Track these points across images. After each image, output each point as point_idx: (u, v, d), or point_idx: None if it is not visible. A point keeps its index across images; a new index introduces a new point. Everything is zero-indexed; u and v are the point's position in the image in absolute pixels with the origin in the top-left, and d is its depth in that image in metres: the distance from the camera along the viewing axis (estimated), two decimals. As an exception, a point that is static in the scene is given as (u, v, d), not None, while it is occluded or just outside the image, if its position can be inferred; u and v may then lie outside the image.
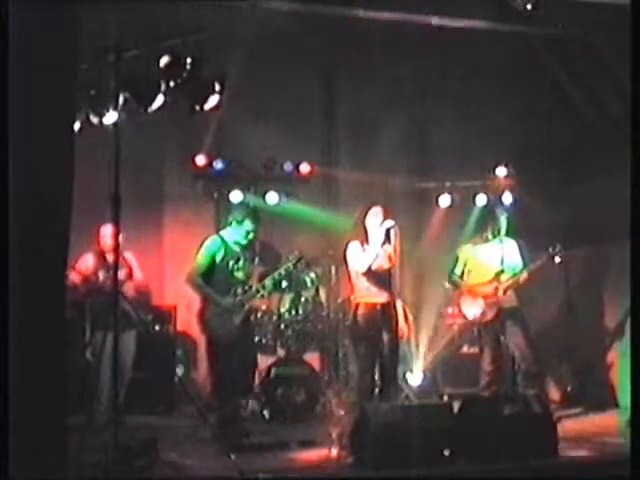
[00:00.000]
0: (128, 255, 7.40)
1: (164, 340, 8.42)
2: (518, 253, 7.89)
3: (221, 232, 7.18)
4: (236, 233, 7.06)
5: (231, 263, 6.99)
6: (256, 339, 7.87)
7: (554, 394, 8.33)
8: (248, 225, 7.03)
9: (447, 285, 8.15)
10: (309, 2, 7.44)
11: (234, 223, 7.08)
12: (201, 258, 6.99)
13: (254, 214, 7.19)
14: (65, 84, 4.74)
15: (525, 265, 7.81)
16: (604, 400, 8.23)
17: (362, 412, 6.16)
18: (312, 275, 8.38)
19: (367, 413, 6.05)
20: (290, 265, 7.21)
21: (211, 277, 6.98)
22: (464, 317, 8.04)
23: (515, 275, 7.75)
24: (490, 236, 7.86)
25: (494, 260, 7.83)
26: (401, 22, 7.67)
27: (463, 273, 7.95)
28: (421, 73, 9.33)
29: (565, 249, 7.68)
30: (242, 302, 6.98)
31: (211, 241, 7.09)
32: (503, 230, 7.84)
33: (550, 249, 7.66)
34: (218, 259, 6.97)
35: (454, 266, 7.98)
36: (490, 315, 7.75)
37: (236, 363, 6.97)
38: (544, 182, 8.90)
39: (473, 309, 7.82)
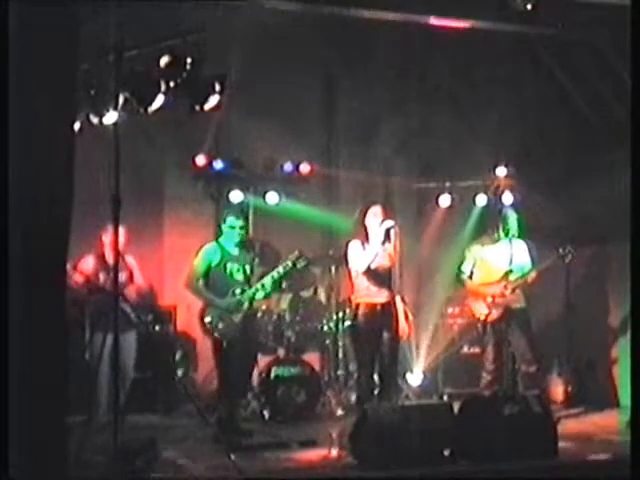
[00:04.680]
0: (129, 259, 7.41)
1: (164, 340, 8.41)
2: (527, 253, 7.90)
3: (219, 240, 7.20)
4: (227, 234, 7.09)
5: (229, 265, 7.03)
6: (255, 340, 7.87)
7: (554, 394, 8.32)
8: (232, 221, 7.06)
9: (455, 284, 8.15)
10: (309, 2, 7.43)
11: (222, 225, 7.12)
12: (198, 263, 7.03)
13: (239, 210, 7.24)
14: (65, 84, 4.73)
15: (534, 265, 7.82)
16: (605, 400, 8.23)
17: (362, 412, 6.16)
18: (311, 275, 8.39)
19: (367, 413, 6.05)
20: (289, 263, 7.21)
21: (209, 281, 7.01)
22: (472, 316, 8.05)
23: (524, 275, 7.76)
24: (499, 236, 7.86)
25: (503, 260, 7.84)
26: (402, 22, 7.67)
27: (472, 273, 7.96)
28: (421, 73, 9.33)
29: (566, 249, 7.70)
30: (242, 302, 7.00)
31: (207, 247, 7.13)
32: (513, 230, 7.85)
33: (560, 249, 7.68)
34: (214, 263, 7.00)
35: (461, 265, 7.98)
36: (497, 315, 7.77)
37: (239, 363, 7.00)
38: (544, 182, 8.90)
39: (481, 308, 7.84)
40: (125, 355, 7.13)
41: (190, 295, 7.30)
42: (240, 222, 7.11)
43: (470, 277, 7.99)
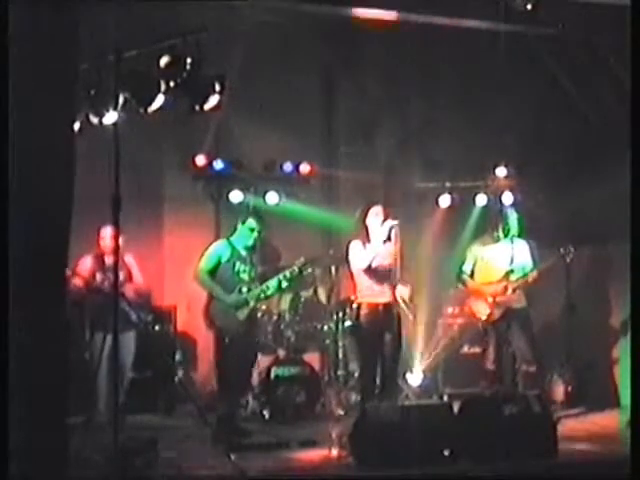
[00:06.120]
0: (127, 258, 7.41)
1: (164, 340, 8.41)
2: (529, 253, 7.90)
3: (230, 237, 7.22)
4: (242, 235, 7.11)
5: (237, 264, 7.05)
6: (256, 339, 7.87)
7: (555, 394, 8.32)
8: (252, 224, 7.08)
9: (458, 284, 8.16)
10: (309, 2, 7.44)
11: (239, 226, 7.13)
12: (207, 258, 7.07)
13: (257, 213, 7.26)
14: (65, 84, 4.73)
15: (535, 265, 7.83)
16: (605, 400, 8.23)
17: (362, 412, 6.17)
18: (311, 275, 8.39)
19: (367, 413, 6.05)
20: (296, 269, 7.24)
21: (217, 276, 7.02)
22: (472, 316, 8.06)
23: (525, 275, 7.77)
24: (499, 236, 7.87)
25: (503, 260, 7.85)
26: (401, 22, 7.67)
27: (473, 272, 7.97)
28: (421, 73, 9.33)
29: (566, 249, 7.72)
30: (248, 300, 7.03)
31: (218, 243, 7.19)
32: (514, 230, 7.86)
33: (561, 249, 7.69)
34: (224, 260, 7.02)
35: (462, 265, 8.00)
36: (498, 314, 7.78)
37: (240, 360, 7.02)
38: (544, 182, 8.89)
39: (482, 308, 7.84)
40: (123, 354, 7.13)
41: (190, 295, 7.31)
42: (259, 226, 7.13)
43: (471, 277, 8.00)
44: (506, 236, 7.87)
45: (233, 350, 6.95)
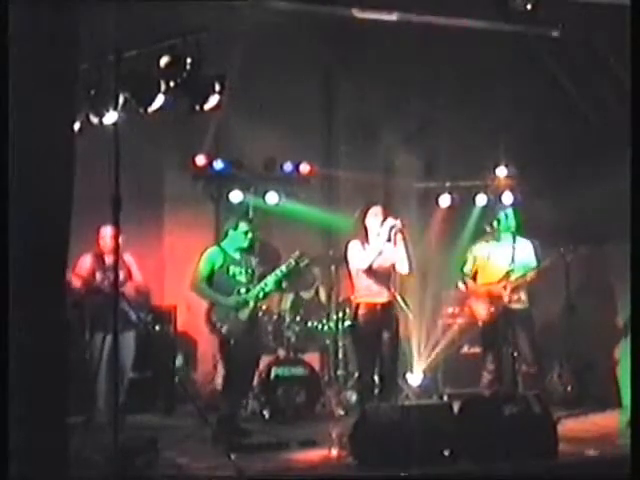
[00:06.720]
0: (127, 256, 7.40)
1: (164, 340, 8.41)
2: (532, 253, 7.90)
3: (221, 244, 7.19)
4: (234, 239, 7.09)
5: (232, 268, 7.03)
6: (260, 339, 7.86)
7: (555, 394, 8.32)
8: (243, 227, 7.07)
9: (458, 284, 8.16)
10: (309, 2, 7.44)
11: (230, 231, 7.11)
12: (201, 266, 7.02)
13: (246, 215, 7.24)
14: (65, 84, 4.73)
15: (539, 265, 7.83)
16: (605, 400, 8.23)
17: (362, 412, 6.17)
18: (312, 275, 8.39)
19: (367, 413, 6.05)
20: (292, 261, 7.22)
21: (213, 282, 7.01)
22: (472, 316, 8.05)
23: (525, 274, 7.77)
24: (500, 236, 7.87)
25: (504, 260, 7.84)
26: (401, 22, 7.67)
27: (473, 272, 7.97)
28: (421, 73, 9.33)
29: (566, 248, 7.72)
30: (247, 300, 7.01)
31: (209, 251, 7.12)
32: (513, 229, 7.85)
33: (561, 249, 7.69)
34: (217, 266, 7.00)
35: (462, 265, 8.00)
36: (498, 314, 7.77)
37: (244, 362, 7.01)
38: (544, 181, 8.90)
39: (482, 308, 7.84)
40: (123, 355, 7.12)
41: (190, 295, 7.30)
42: (251, 227, 7.11)
43: (471, 277, 7.99)
44: (506, 236, 7.86)
45: (237, 351, 6.93)
